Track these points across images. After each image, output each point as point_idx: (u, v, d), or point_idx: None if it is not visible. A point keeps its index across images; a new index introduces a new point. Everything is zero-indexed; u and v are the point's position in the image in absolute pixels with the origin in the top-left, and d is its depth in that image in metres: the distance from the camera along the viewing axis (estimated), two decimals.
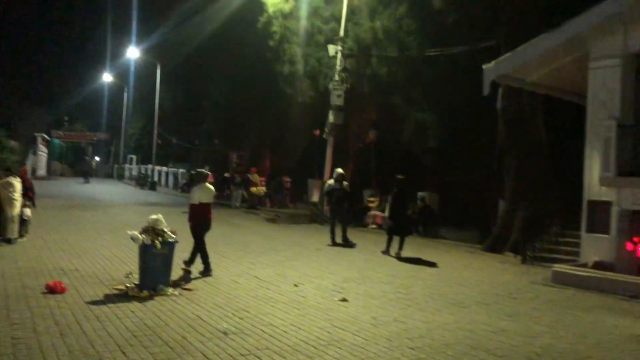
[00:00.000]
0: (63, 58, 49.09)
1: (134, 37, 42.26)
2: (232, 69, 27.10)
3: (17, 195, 11.10)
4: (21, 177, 11.69)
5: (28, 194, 11.63)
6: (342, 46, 18.65)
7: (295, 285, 8.49)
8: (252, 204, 23.15)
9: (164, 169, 38.04)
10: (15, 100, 45.91)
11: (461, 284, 9.49)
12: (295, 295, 7.83)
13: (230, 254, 11.10)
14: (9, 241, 10.71)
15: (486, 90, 12.01)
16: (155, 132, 39.27)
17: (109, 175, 52.25)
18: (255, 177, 24.95)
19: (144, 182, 36.51)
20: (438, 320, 6.92)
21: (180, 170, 35.11)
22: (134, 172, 44.35)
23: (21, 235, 11.16)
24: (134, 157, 48.36)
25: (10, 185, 11.04)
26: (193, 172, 10.46)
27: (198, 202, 9.08)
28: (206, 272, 8.93)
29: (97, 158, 60.34)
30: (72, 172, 50.02)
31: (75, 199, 23.16)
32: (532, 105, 14.02)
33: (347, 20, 18.59)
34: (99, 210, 19.30)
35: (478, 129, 16.61)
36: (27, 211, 11.49)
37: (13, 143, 32.94)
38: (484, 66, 11.96)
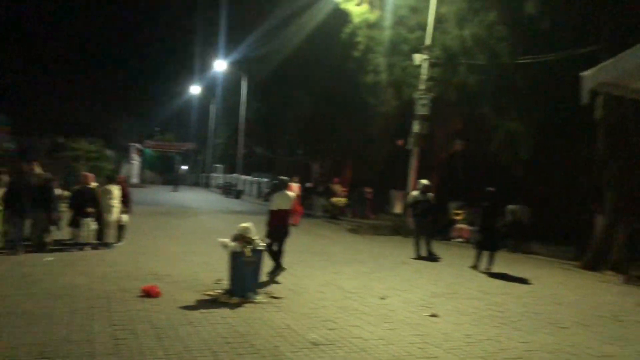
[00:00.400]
0: (155, 72, 52.01)
1: (221, 51, 43.83)
2: (316, 80, 27.37)
3: (116, 202, 11.69)
4: (120, 185, 12.30)
5: (125, 201, 12.18)
6: (429, 55, 18.34)
7: (382, 298, 8.32)
8: (333, 214, 23.23)
9: (249, 178, 39.00)
10: (111, 112, 48.88)
11: (558, 303, 8.96)
12: (382, 309, 7.67)
13: (314, 264, 11.11)
14: (107, 246, 11.30)
15: (585, 99, 11.21)
16: (241, 142, 40.44)
17: (196, 184, 54.34)
18: (337, 188, 25.05)
19: (230, 190, 37.77)
20: (536, 341, 6.53)
21: (264, 179, 35.86)
22: (220, 181, 45.85)
23: (118, 240, 11.75)
24: (220, 166, 49.97)
25: (110, 192, 11.64)
26: (275, 181, 10.67)
27: (276, 209, 9.21)
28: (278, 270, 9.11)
29: (184, 167, 62.93)
30: (161, 181, 52.41)
31: (166, 206, 24.20)
32: (636, 114, 13.10)
33: (434, 28, 18.25)
34: (188, 217, 20.05)
35: (572, 139, 15.73)
36: (125, 217, 12.07)
37: (109, 152, 35.03)
38: (582, 74, 11.26)
